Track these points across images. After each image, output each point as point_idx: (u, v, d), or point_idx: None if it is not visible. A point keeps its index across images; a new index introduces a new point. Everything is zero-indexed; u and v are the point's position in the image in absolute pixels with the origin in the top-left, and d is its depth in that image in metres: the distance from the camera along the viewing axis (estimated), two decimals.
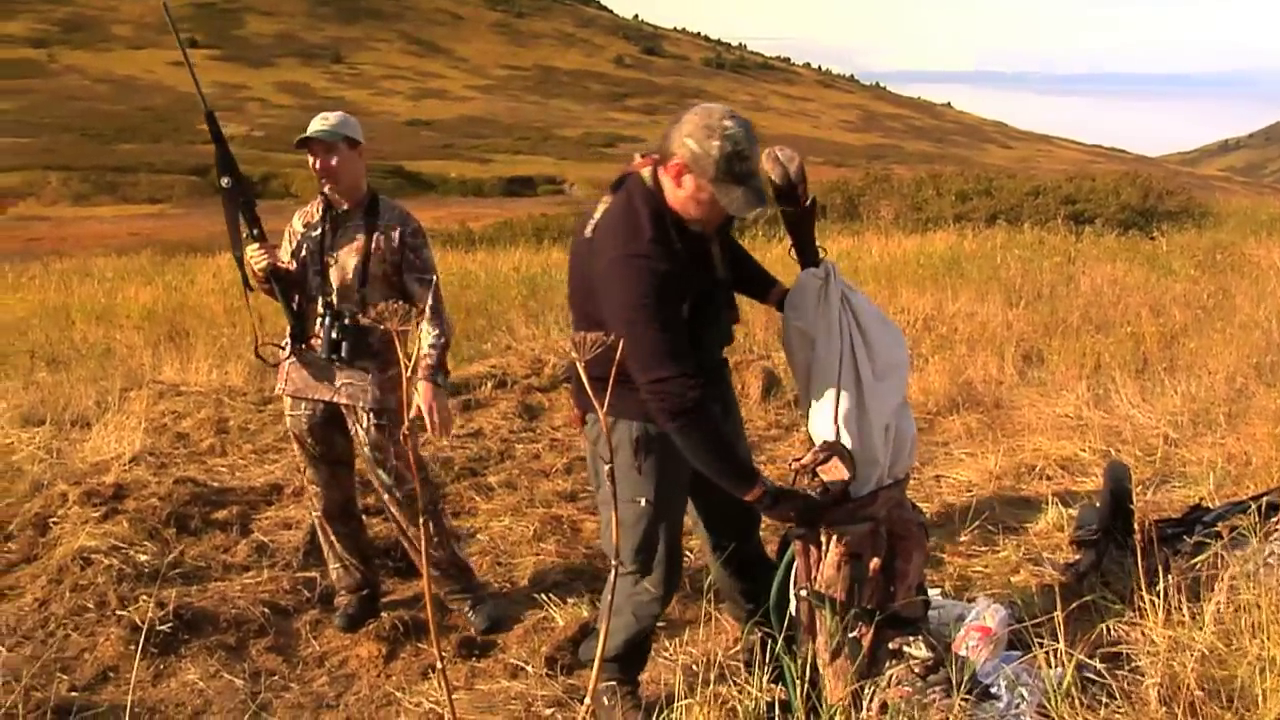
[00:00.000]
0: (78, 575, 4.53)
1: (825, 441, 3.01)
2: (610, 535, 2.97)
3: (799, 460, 3.07)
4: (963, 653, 3.32)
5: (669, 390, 2.85)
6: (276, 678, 3.96)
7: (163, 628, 4.08)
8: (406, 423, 2.55)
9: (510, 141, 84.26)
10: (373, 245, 4.02)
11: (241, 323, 10.07)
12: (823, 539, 3.07)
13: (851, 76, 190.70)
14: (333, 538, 4.37)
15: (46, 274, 16.81)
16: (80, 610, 4.30)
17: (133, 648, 3.90)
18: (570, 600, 4.35)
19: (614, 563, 2.61)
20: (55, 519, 5.18)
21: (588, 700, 2.69)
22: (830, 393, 3.07)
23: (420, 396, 3.93)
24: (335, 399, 4.10)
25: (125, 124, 79.91)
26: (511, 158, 76.36)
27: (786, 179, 3.15)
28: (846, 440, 3.03)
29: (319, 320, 4.05)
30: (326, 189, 4.03)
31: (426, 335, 4.02)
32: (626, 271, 2.88)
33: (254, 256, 3.99)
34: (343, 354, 4.01)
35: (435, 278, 4.09)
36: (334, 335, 4.01)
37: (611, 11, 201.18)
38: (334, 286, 4.05)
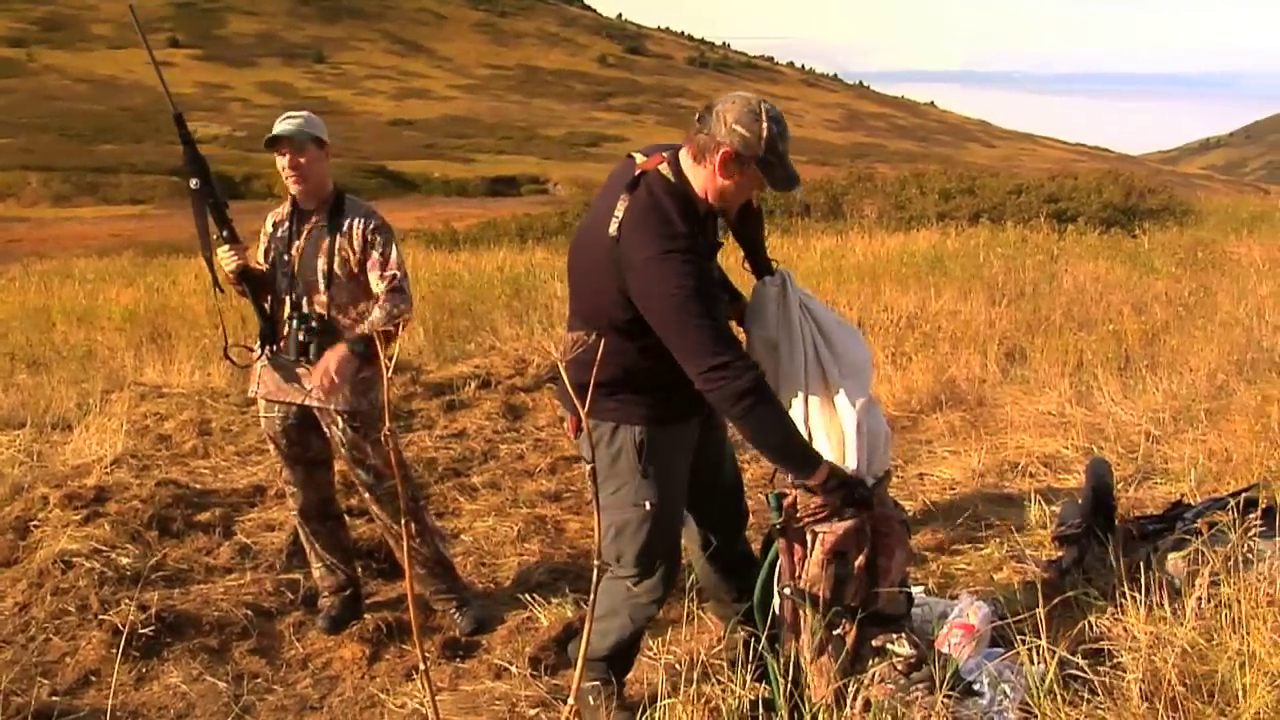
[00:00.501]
0: (59, 579, 4.50)
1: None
2: (608, 541, 3.00)
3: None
4: (946, 650, 3.33)
5: (728, 375, 2.85)
6: (260, 680, 3.95)
7: (145, 631, 4.07)
8: (387, 424, 2.54)
9: (494, 141, 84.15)
10: (336, 245, 4.00)
11: (224, 323, 10.02)
12: (807, 537, 3.08)
13: (835, 76, 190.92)
14: (311, 537, 4.35)
15: (27, 275, 16.71)
16: (61, 614, 4.27)
17: (114, 651, 3.88)
18: (554, 600, 4.34)
19: (597, 563, 2.61)
20: (36, 522, 5.15)
21: (571, 700, 2.68)
22: (799, 398, 3.07)
23: (330, 353, 3.87)
24: (306, 401, 4.07)
25: (106, 124, 79.55)
26: (495, 157, 76.26)
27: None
28: (821, 444, 3.04)
29: (286, 322, 4.03)
30: (294, 188, 4.01)
31: (375, 313, 3.95)
32: (665, 268, 2.88)
33: (224, 258, 3.98)
34: (310, 356, 3.97)
35: (399, 272, 4.00)
36: (300, 337, 3.98)
37: (595, 11, 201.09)
38: (300, 287, 4.03)
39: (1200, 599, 3.26)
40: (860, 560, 3.07)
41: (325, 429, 4.13)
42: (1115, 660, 3.14)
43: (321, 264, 4.00)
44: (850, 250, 14.17)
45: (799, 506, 3.06)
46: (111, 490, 5.43)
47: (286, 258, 4.04)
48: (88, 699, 3.78)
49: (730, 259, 3.44)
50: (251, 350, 4.20)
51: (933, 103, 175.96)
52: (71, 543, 4.75)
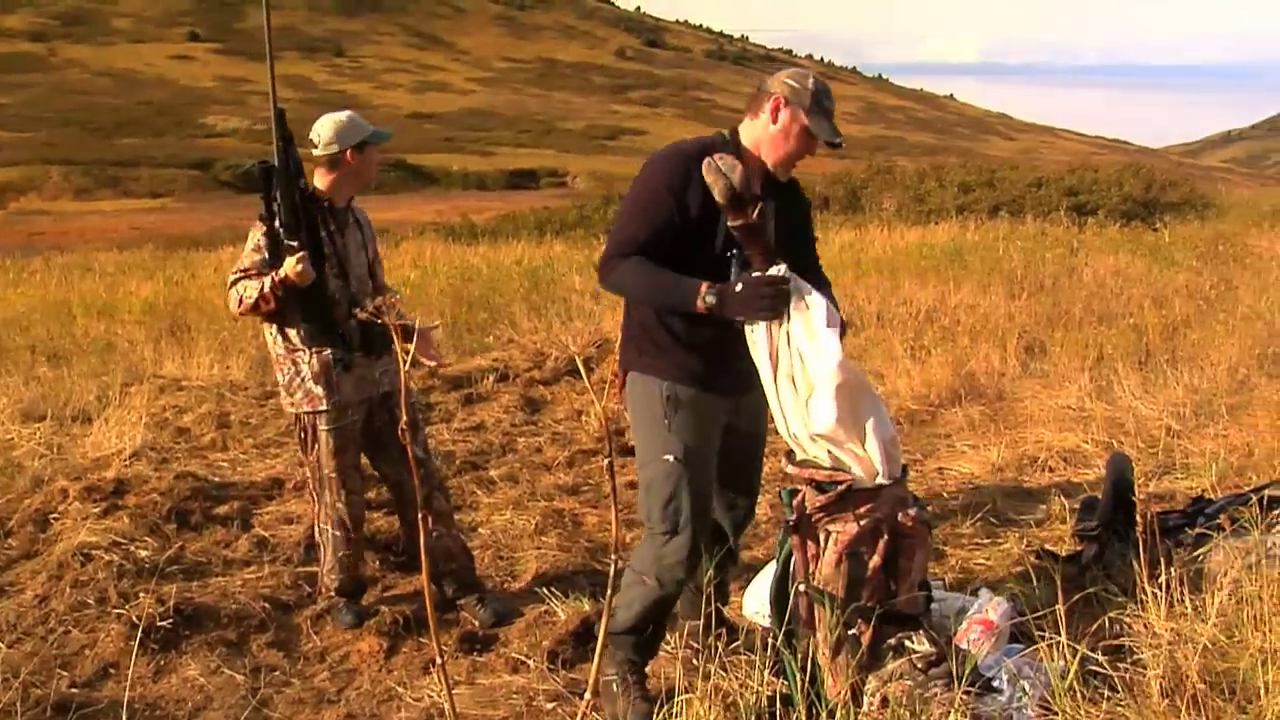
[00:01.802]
0: (78, 571, 4.53)
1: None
2: (641, 500, 3.11)
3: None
4: (965, 646, 3.31)
5: (610, 248, 3.27)
6: (277, 673, 3.95)
7: (163, 624, 4.07)
8: (405, 418, 2.54)
9: (512, 134, 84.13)
10: (366, 239, 4.21)
11: (243, 318, 10.06)
12: (820, 535, 3.06)
13: (854, 69, 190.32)
14: (348, 545, 4.30)
15: (48, 269, 16.83)
16: (80, 606, 4.29)
17: (133, 644, 3.88)
18: (572, 595, 4.33)
19: (615, 557, 2.63)
20: (56, 515, 5.18)
21: (588, 695, 2.68)
22: (774, 404, 3.11)
23: (419, 337, 3.84)
24: (381, 390, 4.18)
25: (126, 118, 79.84)
26: (514, 150, 76.23)
27: (730, 191, 3.09)
28: (809, 448, 3.05)
29: (343, 320, 4.04)
30: (361, 188, 4.16)
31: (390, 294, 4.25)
32: (647, 166, 3.32)
33: (299, 264, 3.85)
34: (375, 347, 4.08)
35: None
36: (366, 332, 4.03)
37: (613, 4, 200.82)
38: (353, 283, 4.10)
39: (1222, 596, 3.23)
40: (876, 561, 3.04)
41: (390, 412, 4.18)
42: (1136, 657, 3.11)
43: (364, 259, 4.17)
44: (869, 243, 14.15)
45: (808, 504, 3.05)
46: (131, 483, 5.45)
47: (336, 258, 4.05)
48: (106, 691, 3.79)
49: None
50: (321, 356, 4.06)
51: (952, 95, 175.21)
52: (91, 535, 4.78)
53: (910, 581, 3.13)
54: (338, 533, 4.28)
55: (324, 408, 4.09)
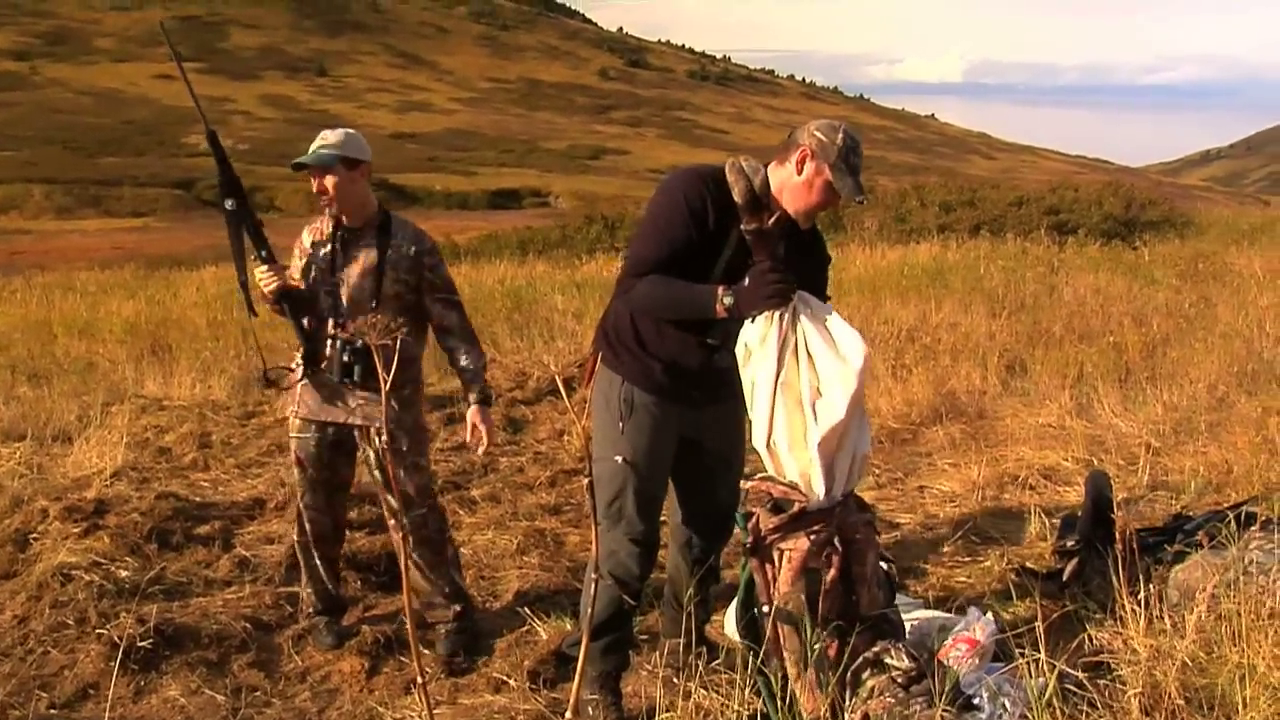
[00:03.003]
0: (58, 591, 4.50)
1: None
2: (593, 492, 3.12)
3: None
4: (948, 662, 3.31)
5: (631, 266, 3.29)
6: (258, 693, 3.93)
7: (143, 644, 4.05)
8: (384, 438, 2.54)
9: (495, 154, 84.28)
10: (386, 265, 3.95)
11: (225, 337, 10.06)
12: (774, 555, 3.07)
13: (836, 89, 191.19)
14: (317, 561, 4.29)
15: (29, 288, 16.76)
16: (60, 627, 4.26)
17: (113, 664, 3.86)
18: (553, 614, 4.32)
19: (595, 576, 2.64)
20: (35, 535, 5.14)
21: (569, 715, 2.68)
22: (764, 412, 3.10)
23: (477, 417, 4.02)
24: (349, 420, 4.03)
25: (109, 137, 79.75)
26: (497, 170, 76.36)
27: (750, 192, 3.13)
28: (786, 463, 3.06)
29: (329, 342, 3.98)
30: (329, 211, 3.95)
31: (465, 357, 4.08)
32: (664, 189, 3.34)
33: (263, 279, 3.89)
34: (355, 376, 3.94)
35: (457, 297, 4.08)
36: (345, 358, 3.93)
37: (596, 24, 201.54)
38: (345, 307, 3.97)
39: (1200, 612, 3.25)
40: (832, 574, 3.06)
41: (361, 449, 4.08)
42: (1115, 673, 3.13)
43: (370, 285, 3.95)
44: (851, 262, 14.18)
45: (761, 525, 3.07)
46: (111, 503, 5.43)
47: (332, 278, 3.97)
48: (86, 712, 3.77)
49: None
50: (292, 370, 4.11)
51: (933, 115, 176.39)
52: (71, 555, 4.75)
53: (868, 584, 3.15)
54: (298, 539, 4.29)
55: (289, 415, 4.16)
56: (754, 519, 3.10)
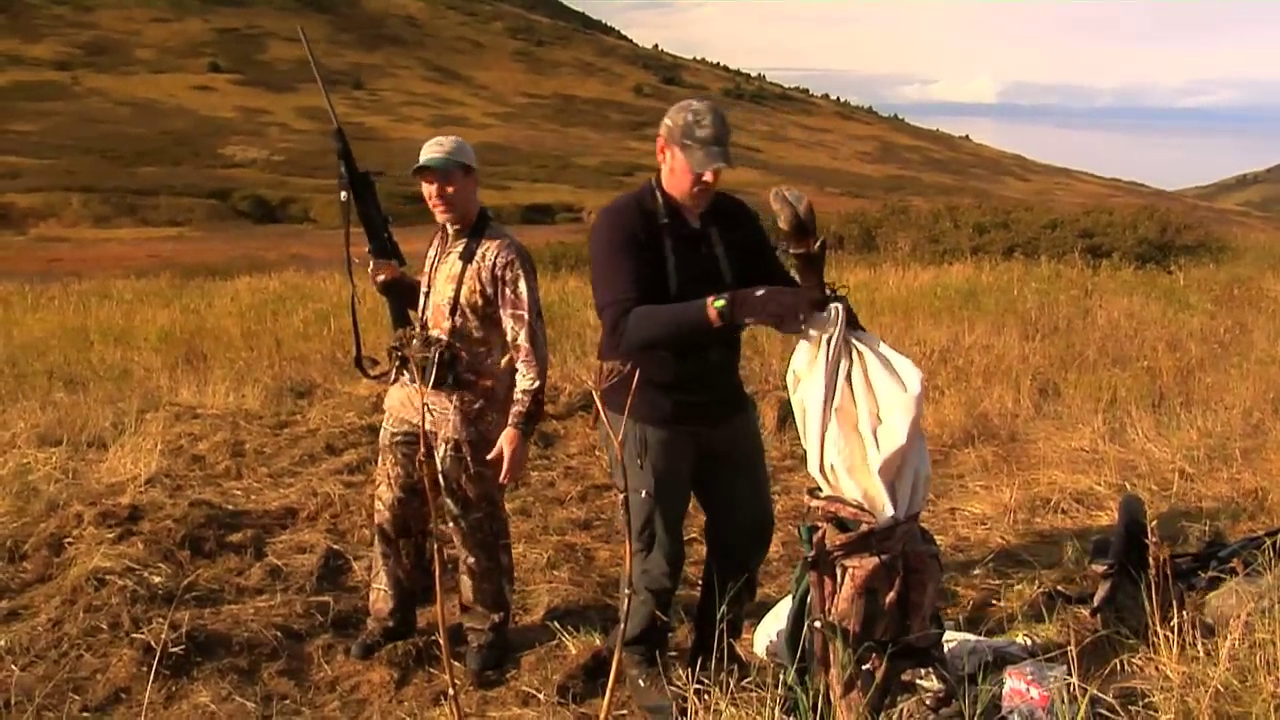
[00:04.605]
0: (92, 596, 4.54)
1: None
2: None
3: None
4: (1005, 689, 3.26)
5: (607, 313, 3.34)
6: (288, 701, 3.96)
7: (175, 650, 4.08)
8: (422, 448, 2.57)
9: (529, 169, 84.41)
10: (467, 274, 3.97)
11: (259, 346, 10.14)
12: (838, 571, 3.08)
13: (870, 109, 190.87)
14: (378, 555, 4.36)
15: (66, 295, 16.88)
16: (94, 631, 4.31)
17: (145, 669, 3.91)
18: (583, 629, 4.32)
19: (628, 591, 2.65)
20: (70, 539, 5.19)
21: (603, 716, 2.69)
22: (815, 433, 3.12)
23: (505, 440, 3.92)
24: (417, 422, 4.10)
25: (146, 147, 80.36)
26: (530, 185, 76.47)
27: (795, 220, 3.11)
28: (845, 483, 3.07)
29: (415, 344, 4.04)
30: (440, 217, 4.02)
31: (521, 379, 3.95)
32: (596, 227, 3.50)
33: (376, 269, 4.16)
34: (428, 380, 3.98)
35: (529, 315, 3.95)
36: (421, 362, 3.99)
37: (631, 41, 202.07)
38: (430, 311, 4.06)
39: (1234, 639, 3.22)
40: (891, 596, 3.06)
41: (433, 453, 4.12)
42: (1147, 700, 3.11)
43: (450, 291, 3.99)
44: (884, 283, 14.14)
45: (828, 541, 3.06)
46: (145, 509, 5.47)
47: (428, 279, 4.10)
48: (118, 715, 3.81)
49: None
50: (378, 362, 4.32)
51: (968, 136, 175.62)
52: (105, 560, 4.79)
53: (922, 615, 3.14)
54: (376, 534, 4.38)
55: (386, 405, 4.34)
56: (820, 533, 3.11)
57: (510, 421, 3.94)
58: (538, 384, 3.93)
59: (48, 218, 57.81)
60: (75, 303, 15.80)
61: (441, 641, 2.62)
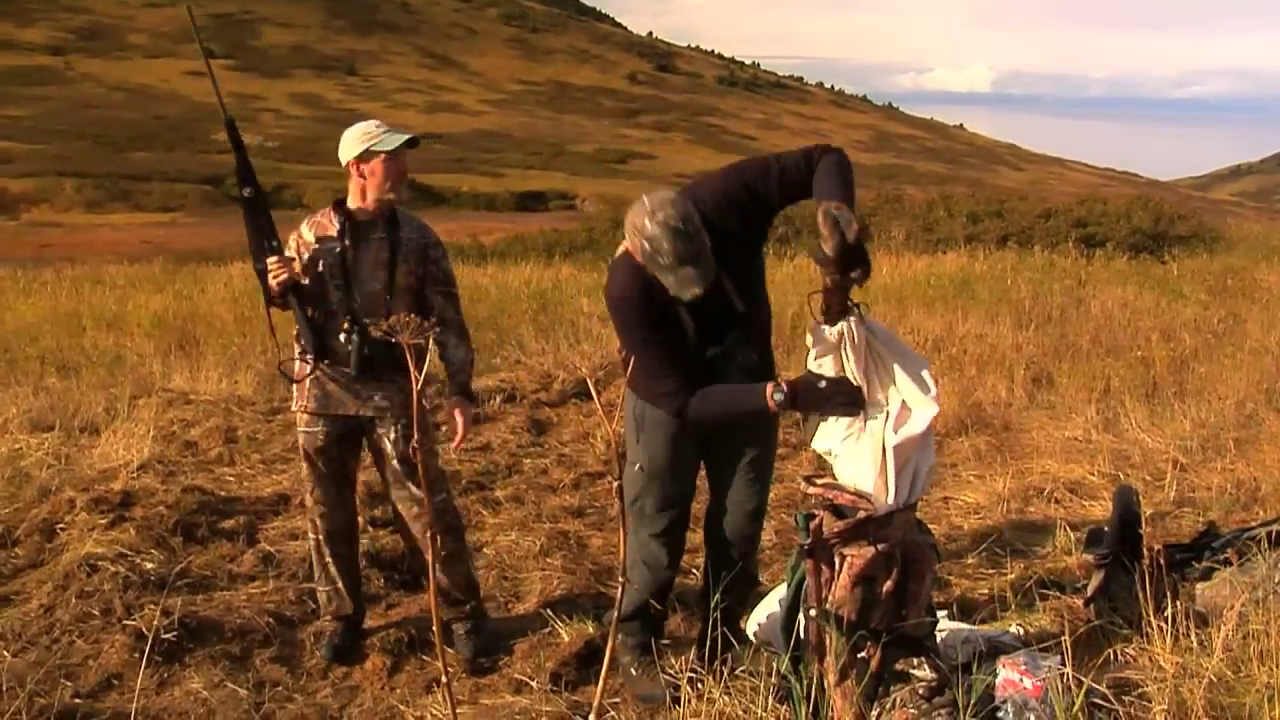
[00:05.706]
0: (84, 582, 4.54)
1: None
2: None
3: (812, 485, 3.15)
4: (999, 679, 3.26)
5: (663, 403, 3.44)
6: (280, 688, 3.95)
7: (167, 636, 4.08)
8: (416, 437, 2.55)
9: (523, 156, 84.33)
10: (399, 257, 3.97)
11: (252, 332, 10.10)
12: (835, 559, 3.07)
13: (864, 97, 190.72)
14: (328, 559, 4.26)
15: (58, 280, 16.84)
16: (85, 617, 4.30)
17: (137, 655, 3.90)
18: (576, 617, 4.31)
19: (622, 580, 2.64)
20: (62, 525, 5.19)
21: (592, 717, 2.68)
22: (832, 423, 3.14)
23: (456, 410, 4.04)
24: (362, 413, 4.03)
25: (139, 132, 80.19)
26: (524, 172, 76.41)
27: (843, 246, 2.90)
28: (848, 470, 3.07)
29: (344, 336, 3.94)
30: (391, 196, 3.95)
31: (456, 350, 4.08)
32: (615, 312, 3.47)
33: (273, 269, 3.89)
34: (374, 370, 3.94)
35: (455, 289, 4.13)
36: (365, 351, 3.91)
37: (626, 28, 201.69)
38: (360, 301, 3.96)
39: (1228, 630, 3.22)
40: (889, 585, 3.05)
41: (378, 441, 4.07)
42: (1141, 690, 3.11)
43: (384, 277, 3.97)
44: (877, 272, 14.09)
45: (825, 528, 3.06)
46: (137, 495, 5.46)
47: (342, 270, 3.96)
48: (109, 702, 3.80)
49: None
50: (299, 363, 4.10)
51: (962, 125, 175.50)
52: (97, 546, 4.79)
53: (918, 605, 3.14)
54: (312, 537, 4.28)
55: (295, 410, 4.16)
56: (816, 520, 3.09)
57: (455, 391, 4.08)
58: (471, 354, 4.17)
59: (40, 203, 57.70)
60: (68, 288, 15.76)
61: (435, 628, 2.61)
